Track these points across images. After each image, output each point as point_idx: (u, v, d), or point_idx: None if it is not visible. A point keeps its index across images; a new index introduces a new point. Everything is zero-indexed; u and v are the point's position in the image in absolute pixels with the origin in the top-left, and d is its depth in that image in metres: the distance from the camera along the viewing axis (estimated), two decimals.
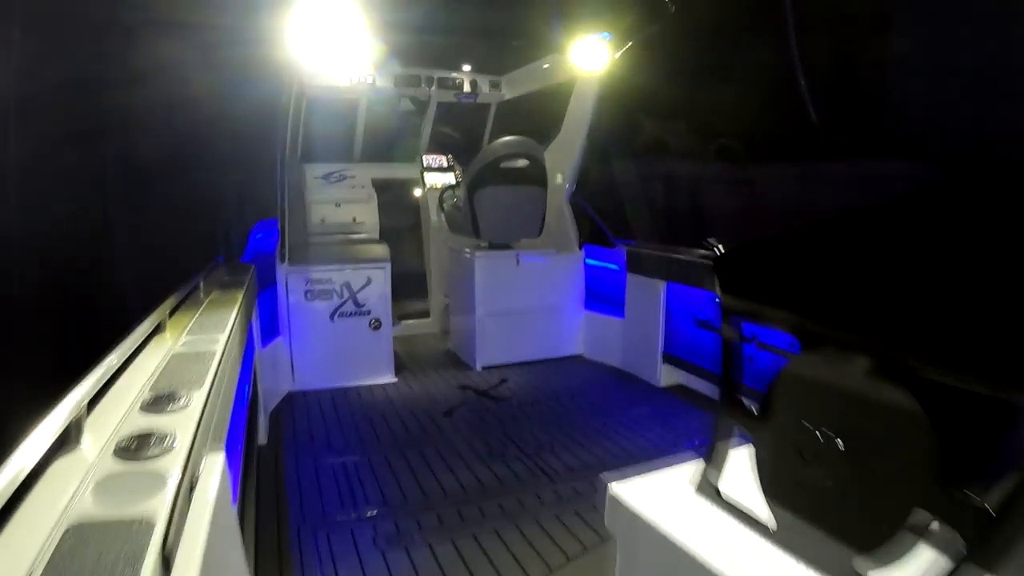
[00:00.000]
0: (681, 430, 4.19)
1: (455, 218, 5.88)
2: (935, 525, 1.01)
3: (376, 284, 5.10)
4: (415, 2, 4.71)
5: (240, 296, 2.81)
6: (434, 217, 6.77)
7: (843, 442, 1.07)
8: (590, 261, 5.93)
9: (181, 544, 1.01)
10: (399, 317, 5.67)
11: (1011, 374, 0.87)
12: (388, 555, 2.80)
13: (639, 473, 1.55)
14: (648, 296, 5.11)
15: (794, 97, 4.66)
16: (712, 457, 1.40)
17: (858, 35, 4.43)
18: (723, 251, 1.29)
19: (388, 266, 5.16)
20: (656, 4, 4.56)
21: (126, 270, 2.96)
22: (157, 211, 3.25)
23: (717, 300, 1.29)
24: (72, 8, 2.55)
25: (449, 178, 7.00)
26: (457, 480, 3.50)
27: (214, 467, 1.26)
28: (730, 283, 1.27)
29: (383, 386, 5.07)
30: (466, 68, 6.67)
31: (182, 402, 1.42)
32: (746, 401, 1.33)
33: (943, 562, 1.00)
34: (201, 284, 3.07)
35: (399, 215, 7.09)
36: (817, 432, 1.11)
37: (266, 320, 4.60)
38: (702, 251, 4.75)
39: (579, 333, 5.92)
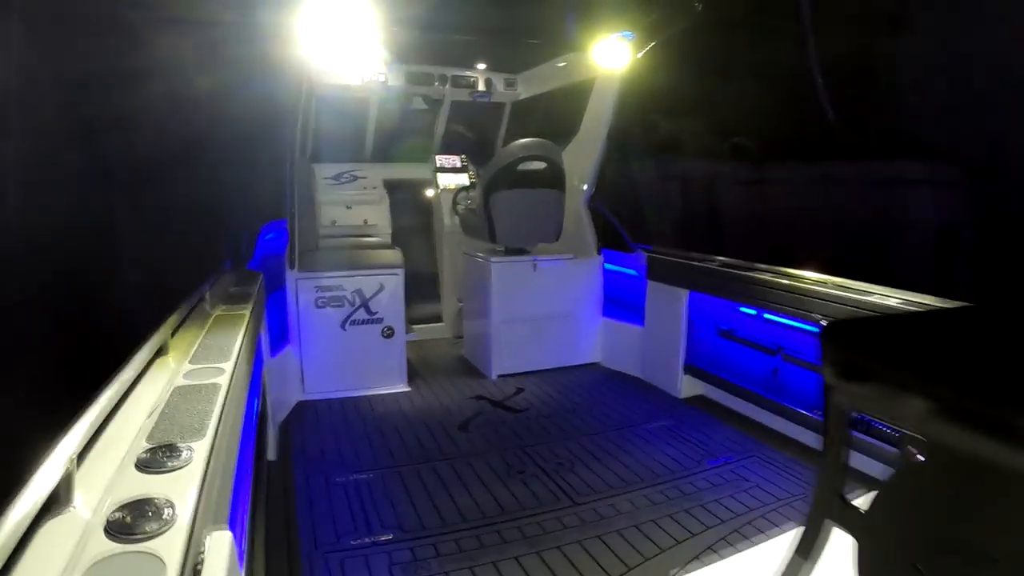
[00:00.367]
0: (703, 446, 4.04)
1: (470, 221, 5.72)
2: None
3: (389, 291, 4.95)
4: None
5: (247, 314, 2.66)
6: (447, 219, 6.62)
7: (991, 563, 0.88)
8: (608, 266, 5.76)
9: None
10: (411, 321, 5.52)
11: None
12: None
13: (702, 554, 1.37)
14: (669, 305, 4.95)
15: (817, 98, 4.53)
16: (807, 552, 1.21)
17: (875, 35, 4.30)
18: (832, 323, 1.10)
19: (401, 272, 5.02)
20: (682, 2, 4.39)
21: (130, 272, 2.84)
22: (162, 212, 3.13)
23: (824, 381, 1.11)
24: (75, 4, 2.43)
25: (463, 179, 6.84)
26: (475, 501, 3.35)
27: (221, 549, 1.11)
28: (841, 362, 1.08)
29: (395, 395, 4.93)
30: (480, 66, 6.51)
31: (183, 456, 1.27)
32: (849, 496, 1.14)
33: None
34: (207, 295, 2.93)
35: (411, 216, 6.94)
36: (946, 548, 0.93)
37: (275, 328, 4.46)
38: (724, 258, 4.60)
39: (596, 340, 5.76)
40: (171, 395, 1.64)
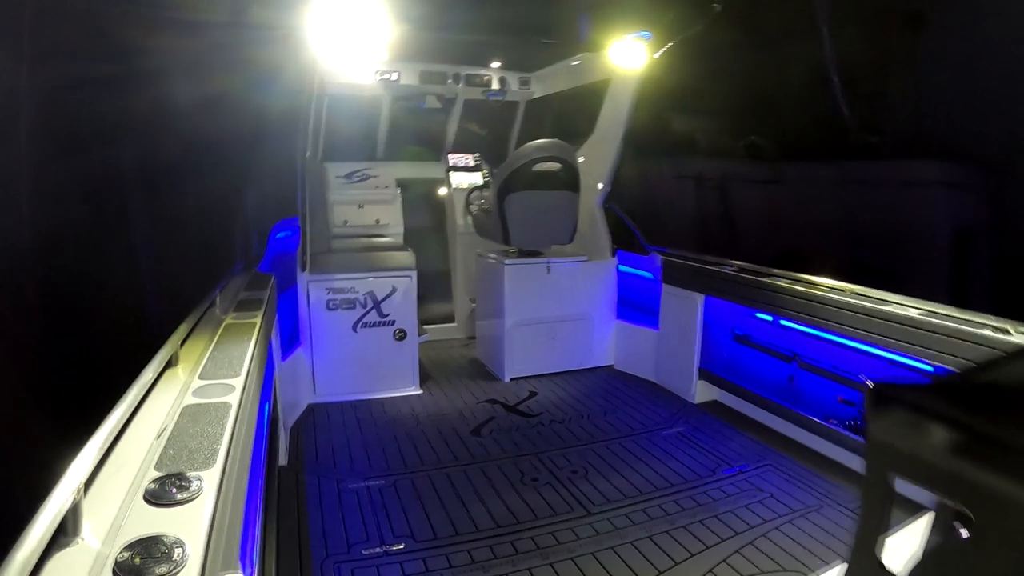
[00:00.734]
0: (717, 454, 3.99)
1: (484, 222, 5.67)
2: None
3: (401, 293, 4.92)
4: None
5: (257, 322, 2.63)
6: (460, 219, 6.57)
7: None
8: (622, 268, 5.70)
9: None
10: (423, 321, 5.49)
11: None
12: None
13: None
14: (685, 309, 4.89)
15: (838, 98, 4.47)
16: None
17: (893, 34, 4.24)
18: (879, 386, 1.04)
19: (414, 275, 4.98)
20: (701, 3, 4.32)
21: (143, 273, 2.82)
22: (173, 214, 3.11)
23: (866, 444, 1.05)
24: (87, 5, 2.41)
25: (476, 178, 6.79)
26: (488, 510, 3.32)
27: None
28: (886, 427, 1.02)
29: (407, 398, 4.90)
30: (495, 65, 6.45)
31: (192, 488, 1.24)
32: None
33: None
34: (217, 300, 2.91)
35: (423, 215, 6.91)
36: None
37: (287, 329, 4.43)
38: (740, 263, 4.53)
39: (610, 343, 5.71)
40: (180, 415, 1.61)
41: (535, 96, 6.77)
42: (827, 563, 2.84)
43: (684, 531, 3.13)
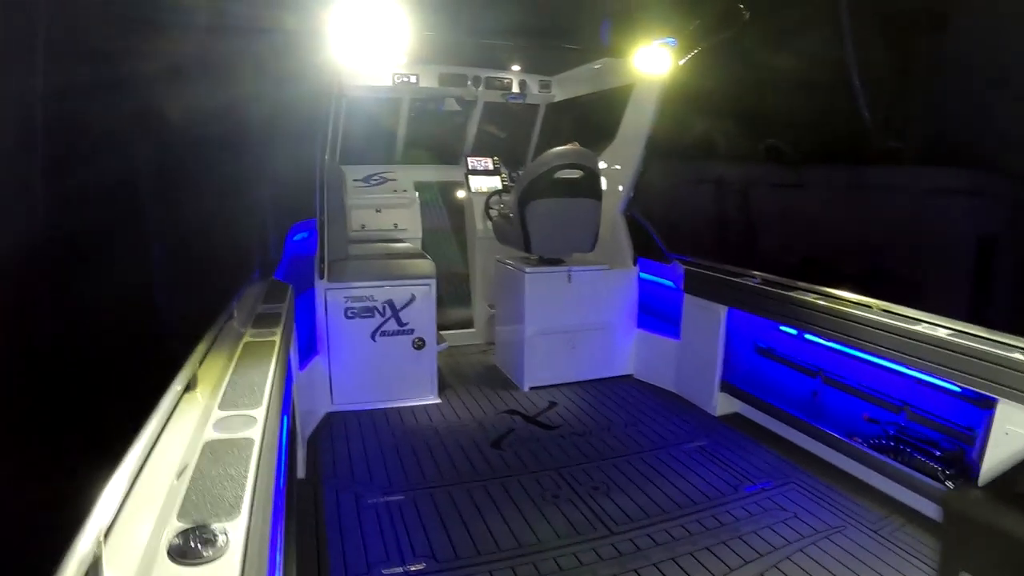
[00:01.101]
0: (740, 470, 3.93)
1: (504, 229, 5.61)
2: None
3: (420, 301, 4.87)
4: (462, 2, 4.46)
5: (277, 340, 2.59)
6: (479, 223, 6.52)
7: None
8: (644, 275, 5.63)
9: None
10: (441, 327, 5.44)
11: None
12: None
13: None
14: (707, 320, 4.82)
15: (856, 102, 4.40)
16: None
17: (917, 39, 4.17)
18: (956, 492, 0.99)
19: (433, 283, 4.93)
20: (729, 10, 4.24)
21: (160, 279, 2.79)
22: (190, 216, 3.08)
23: (943, 543, 1.00)
24: (103, 9, 2.37)
25: (495, 181, 6.74)
26: (509, 528, 3.27)
27: None
28: (962, 531, 0.97)
29: (426, 408, 4.86)
30: (515, 68, 6.39)
31: (218, 544, 1.20)
32: None
33: None
34: (235, 313, 2.87)
35: (442, 219, 6.87)
36: None
37: (304, 336, 4.39)
38: (764, 275, 4.46)
39: (630, 352, 5.65)
40: (201, 453, 1.57)
41: (555, 100, 6.71)
42: None
43: (708, 553, 3.07)
